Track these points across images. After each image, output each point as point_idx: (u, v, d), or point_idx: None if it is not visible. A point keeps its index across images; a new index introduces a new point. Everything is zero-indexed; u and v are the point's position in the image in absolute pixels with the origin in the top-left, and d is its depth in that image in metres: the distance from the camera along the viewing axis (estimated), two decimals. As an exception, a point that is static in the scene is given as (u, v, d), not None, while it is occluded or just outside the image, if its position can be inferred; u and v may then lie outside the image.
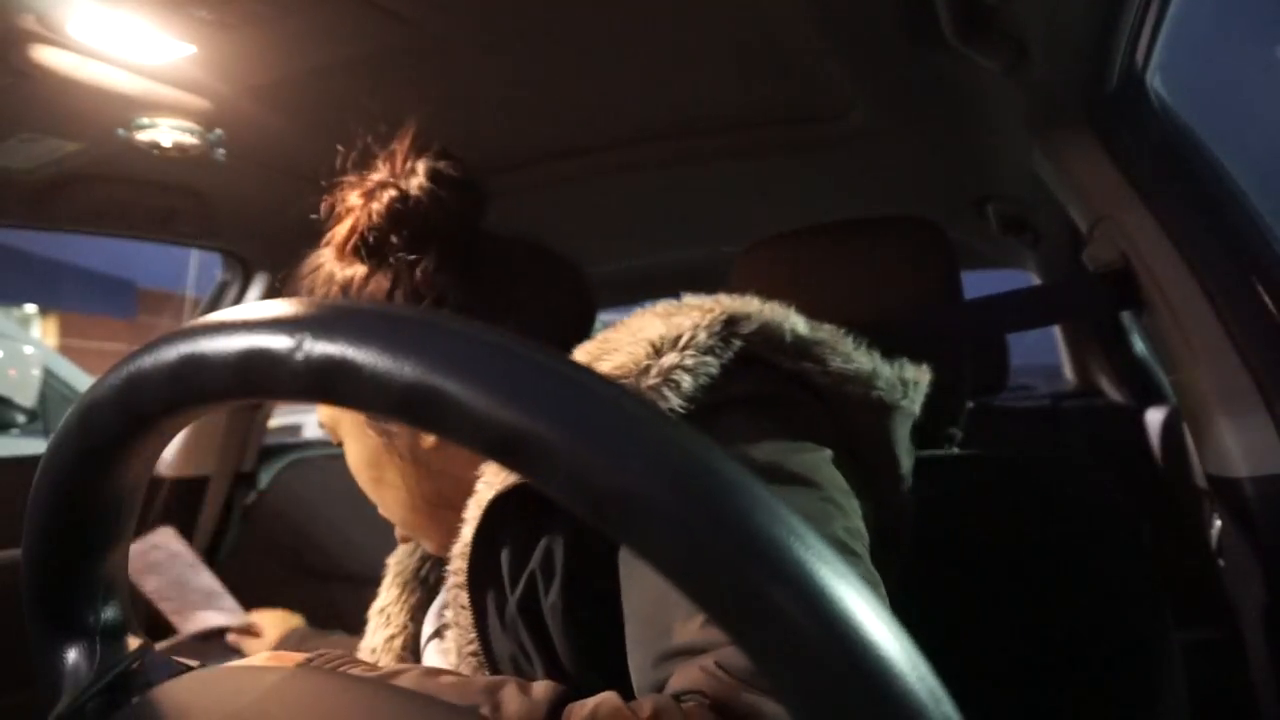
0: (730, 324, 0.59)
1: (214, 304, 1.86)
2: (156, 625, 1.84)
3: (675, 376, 0.56)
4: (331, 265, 0.70)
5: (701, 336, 0.58)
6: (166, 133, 1.16)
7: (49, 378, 2.83)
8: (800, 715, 0.25)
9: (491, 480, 0.62)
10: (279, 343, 0.29)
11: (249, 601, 1.95)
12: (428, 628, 0.77)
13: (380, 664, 0.78)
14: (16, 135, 1.15)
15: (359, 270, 0.69)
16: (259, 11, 0.93)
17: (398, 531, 0.76)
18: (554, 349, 0.29)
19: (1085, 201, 1.11)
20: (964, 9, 0.91)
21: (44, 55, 0.98)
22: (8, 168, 1.24)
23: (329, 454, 2.14)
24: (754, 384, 0.60)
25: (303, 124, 1.20)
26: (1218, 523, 1.13)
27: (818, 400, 0.64)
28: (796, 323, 0.63)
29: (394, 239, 0.68)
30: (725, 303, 0.62)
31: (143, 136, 1.16)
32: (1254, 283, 0.96)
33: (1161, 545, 0.92)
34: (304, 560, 1.98)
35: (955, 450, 0.98)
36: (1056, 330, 2.64)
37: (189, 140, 1.18)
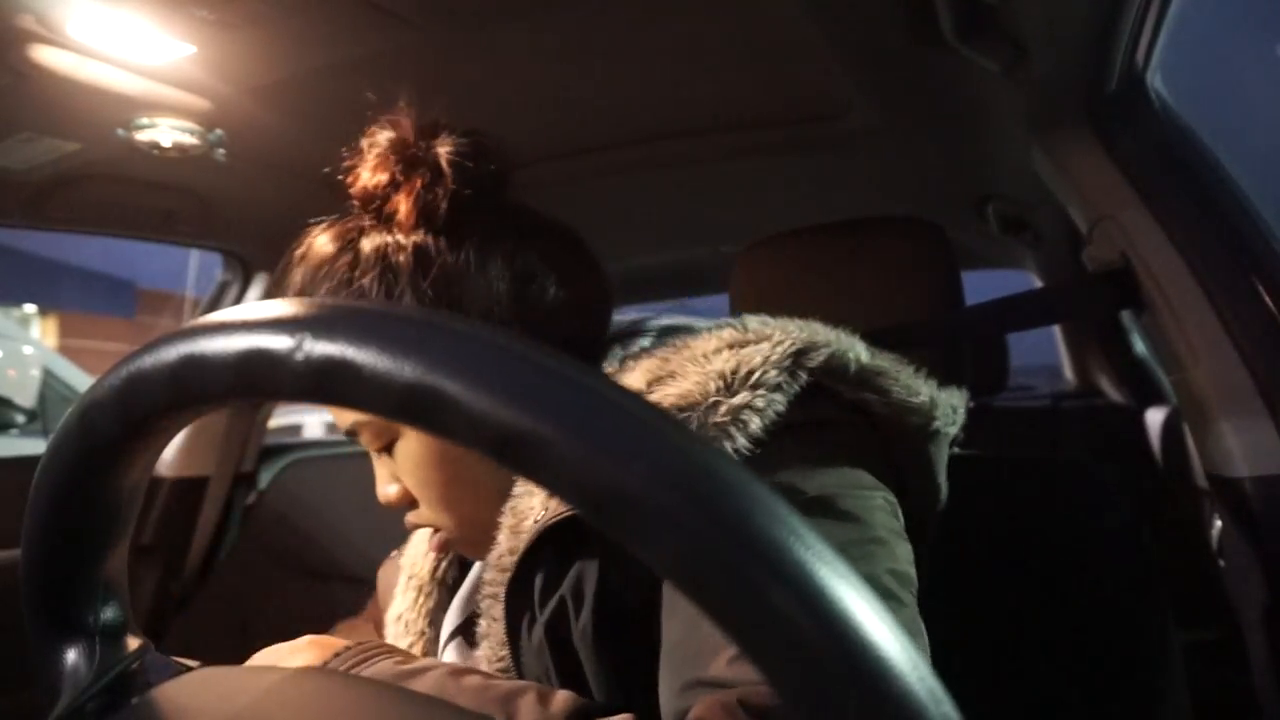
0: (799, 356, 0.59)
1: (214, 304, 1.86)
2: (156, 625, 1.84)
3: (744, 417, 0.55)
4: (388, 236, 0.65)
5: (771, 374, 0.57)
6: (166, 133, 1.16)
7: (49, 378, 2.83)
8: (800, 715, 0.25)
9: (533, 487, 0.61)
10: (279, 343, 0.29)
11: (249, 601, 1.96)
12: (447, 627, 0.76)
13: None
14: (16, 135, 1.15)
15: (432, 240, 0.64)
16: (259, 11, 0.93)
17: (436, 539, 0.71)
18: (555, 349, 0.29)
19: (1085, 201, 1.11)
20: (964, 9, 0.91)
21: (44, 55, 0.98)
22: (7, 168, 1.24)
23: (329, 454, 2.14)
24: (813, 412, 0.59)
25: (303, 124, 1.19)
26: (1218, 523, 1.13)
27: (871, 428, 0.64)
28: (860, 352, 0.62)
29: (477, 199, 0.64)
30: (792, 332, 0.60)
31: (143, 136, 1.16)
32: (1254, 283, 0.96)
33: (1161, 545, 0.92)
34: (304, 560, 1.98)
35: (955, 450, 0.98)
36: (1056, 330, 2.64)
37: (189, 140, 1.18)
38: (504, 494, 0.64)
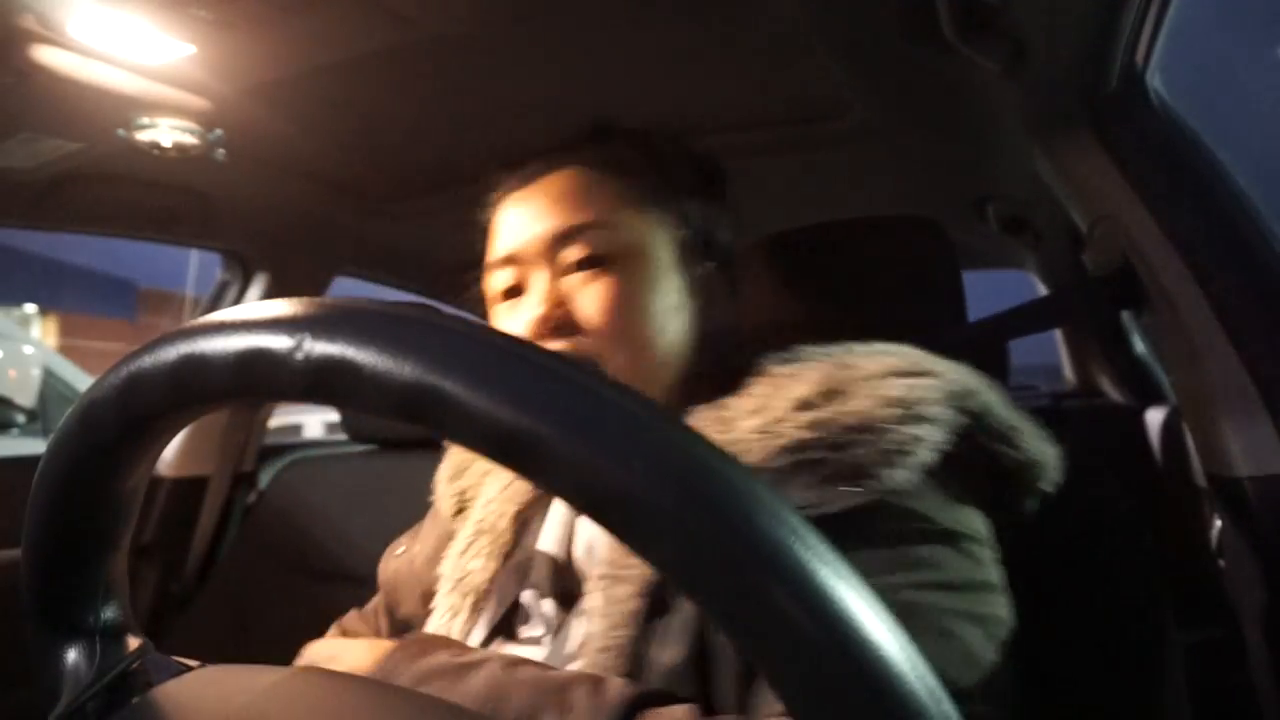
0: (962, 397, 0.60)
1: (214, 304, 1.86)
2: (156, 625, 1.84)
3: (911, 447, 0.56)
4: None
5: (939, 411, 0.58)
6: (166, 133, 1.16)
7: (49, 378, 2.83)
8: (801, 716, 0.25)
9: None
10: (279, 343, 0.29)
11: (249, 601, 1.96)
12: (479, 634, 0.69)
13: None
14: (16, 135, 1.15)
15: None
16: (259, 11, 0.93)
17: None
18: (552, 350, 0.29)
19: (1085, 201, 1.11)
20: (964, 9, 0.91)
21: (44, 55, 0.98)
22: (8, 168, 1.24)
23: (329, 454, 2.14)
24: (959, 452, 0.60)
25: (303, 124, 1.19)
26: (1218, 523, 1.13)
27: (994, 478, 0.65)
28: (996, 403, 0.64)
29: None
30: (952, 374, 0.62)
31: (143, 136, 1.16)
32: (1254, 283, 0.96)
33: (1162, 545, 0.92)
34: (304, 560, 1.98)
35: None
36: (1056, 330, 2.64)
37: (189, 140, 1.18)
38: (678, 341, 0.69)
